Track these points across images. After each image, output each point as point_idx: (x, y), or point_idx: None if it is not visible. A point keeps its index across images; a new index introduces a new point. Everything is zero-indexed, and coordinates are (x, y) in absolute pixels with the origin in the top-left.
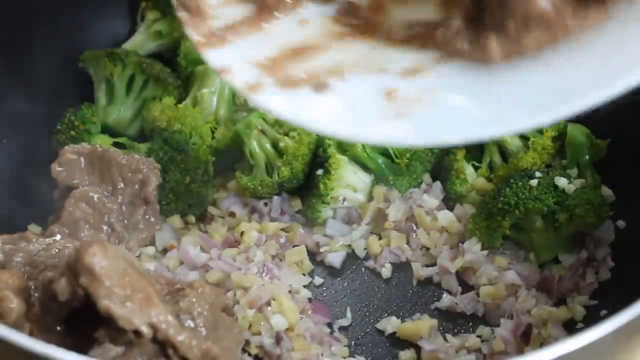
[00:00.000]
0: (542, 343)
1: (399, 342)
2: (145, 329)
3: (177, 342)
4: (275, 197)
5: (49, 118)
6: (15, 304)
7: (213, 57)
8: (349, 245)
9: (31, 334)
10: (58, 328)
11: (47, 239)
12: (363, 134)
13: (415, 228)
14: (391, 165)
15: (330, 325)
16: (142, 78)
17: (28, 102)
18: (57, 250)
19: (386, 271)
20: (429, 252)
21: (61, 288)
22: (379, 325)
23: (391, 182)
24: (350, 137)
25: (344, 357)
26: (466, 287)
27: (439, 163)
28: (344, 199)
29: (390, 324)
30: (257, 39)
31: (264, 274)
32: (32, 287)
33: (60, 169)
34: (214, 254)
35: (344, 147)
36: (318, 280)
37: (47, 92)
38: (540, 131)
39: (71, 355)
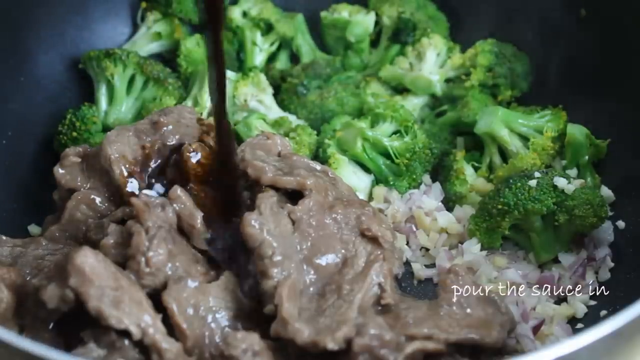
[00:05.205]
0: (545, 340)
1: None
2: (134, 330)
3: (162, 349)
4: None
5: (49, 118)
6: (5, 295)
7: None
8: None
9: (21, 332)
10: (47, 334)
11: (57, 245)
12: None
13: (414, 229)
14: (391, 166)
15: None
16: (143, 78)
17: (28, 103)
18: (61, 256)
19: None
20: (428, 252)
21: (48, 296)
22: None
23: (391, 183)
24: None
25: None
26: None
27: (439, 164)
28: None
29: None
30: None
31: None
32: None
33: (63, 171)
34: None
35: (344, 148)
36: None
37: (48, 93)
38: (540, 131)
39: (56, 354)
